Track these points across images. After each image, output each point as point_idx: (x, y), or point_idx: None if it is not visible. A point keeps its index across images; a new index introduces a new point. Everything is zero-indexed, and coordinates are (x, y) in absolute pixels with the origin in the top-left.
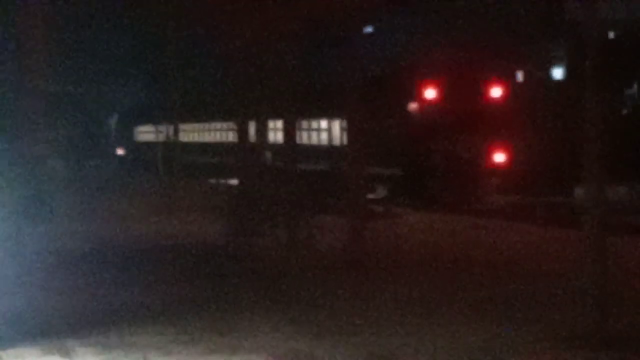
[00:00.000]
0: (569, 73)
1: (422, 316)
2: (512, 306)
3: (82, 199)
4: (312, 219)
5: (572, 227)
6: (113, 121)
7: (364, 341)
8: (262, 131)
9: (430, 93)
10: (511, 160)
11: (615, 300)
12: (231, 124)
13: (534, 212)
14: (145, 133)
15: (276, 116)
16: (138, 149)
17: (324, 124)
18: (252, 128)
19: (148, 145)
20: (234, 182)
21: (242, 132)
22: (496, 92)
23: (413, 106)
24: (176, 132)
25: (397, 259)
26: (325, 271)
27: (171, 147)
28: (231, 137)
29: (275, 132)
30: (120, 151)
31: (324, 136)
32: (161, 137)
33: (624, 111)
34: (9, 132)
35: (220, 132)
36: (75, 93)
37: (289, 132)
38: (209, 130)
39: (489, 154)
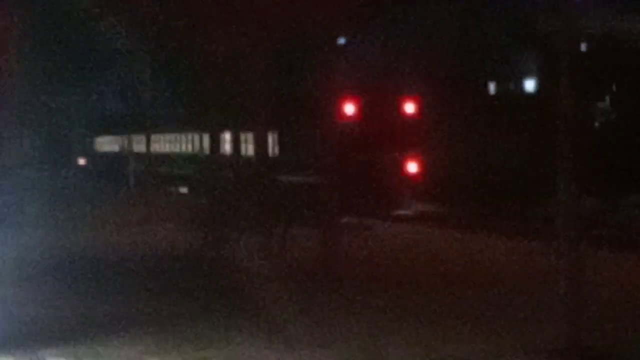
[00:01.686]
0: (538, 86)
1: (394, 327)
2: (486, 318)
3: (54, 209)
4: (286, 230)
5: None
6: (83, 131)
7: (336, 352)
8: (233, 142)
9: (349, 109)
10: (424, 171)
11: (589, 313)
12: (202, 135)
13: (490, 223)
14: (116, 143)
15: (247, 128)
16: (108, 160)
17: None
18: (224, 139)
19: (119, 155)
20: (206, 193)
21: (214, 143)
22: (410, 107)
23: (334, 120)
24: (148, 142)
25: (370, 270)
26: (298, 282)
27: (142, 157)
28: (203, 148)
29: (246, 143)
30: (82, 161)
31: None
32: (132, 148)
33: (596, 124)
34: None
35: (192, 143)
36: (46, 103)
37: (260, 143)
38: (181, 141)
39: (402, 165)
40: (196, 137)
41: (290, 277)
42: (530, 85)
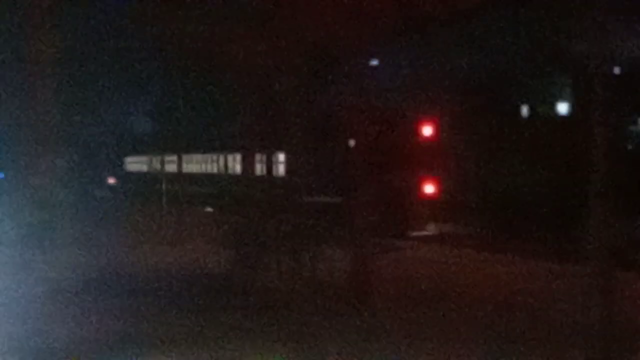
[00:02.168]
0: (570, 108)
1: (427, 350)
2: (518, 341)
3: (84, 227)
4: (317, 250)
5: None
6: (114, 149)
7: None
8: (267, 162)
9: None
10: (440, 191)
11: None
12: (235, 156)
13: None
14: (147, 163)
15: (278, 149)
16: (139, 179)
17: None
18: (256, 159)
19: (150, 175)
20: (238, 213)
21: (246, 163)
22: (427, 130)
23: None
24: (180, 162)
25: (401, 292)
26: (329, 303)
27: (174, 177)
28: (236, 168)
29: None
30: (111, 180)
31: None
32: (165, 168)
33: (629, 147)
34: (11, 161)
35: (223, 164)
36: (77, 121)
37: (291, 163)
38: (212, 161)
39: (420, 186)
40: (228, 158)
41: (323, 297)
42: (561, 107)
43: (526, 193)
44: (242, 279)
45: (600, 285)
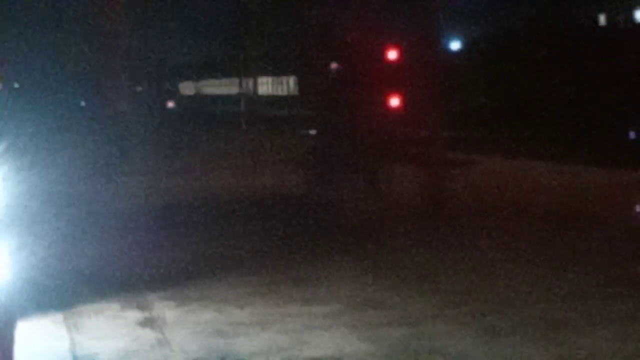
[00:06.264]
0: None
1: (498, 265)
2: (588, 253)
3: (161, 154)
4: (390, 168)
5: None
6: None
7: (439, 289)
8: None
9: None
10: (404, 104)
11: None
12: (307, 78)
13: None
14: (222, 86)
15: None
16: (216, 103)
17: None
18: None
19: (227, 98)
20: (312, 133)
21: (318, 85)
22: (392, 54)
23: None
24: (255, 85)
25: (475, 207)
26: (402, 221)
27: (251, 100)
28: (307, 90)
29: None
30: (171, 104)
31: None
32: (240, 91)
33: None
34: (92, 90)
35: (296, 86)
36: (151, 49)
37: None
38: (285, 83)
39: (386, 100)
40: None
41: (397, 215)
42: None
43: None
44: (320, 200)
45: None
